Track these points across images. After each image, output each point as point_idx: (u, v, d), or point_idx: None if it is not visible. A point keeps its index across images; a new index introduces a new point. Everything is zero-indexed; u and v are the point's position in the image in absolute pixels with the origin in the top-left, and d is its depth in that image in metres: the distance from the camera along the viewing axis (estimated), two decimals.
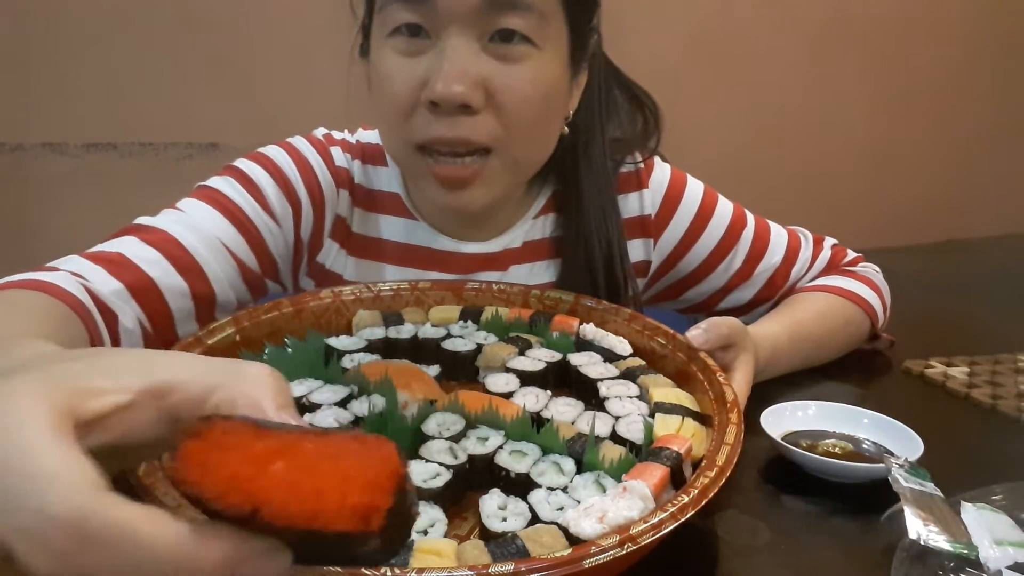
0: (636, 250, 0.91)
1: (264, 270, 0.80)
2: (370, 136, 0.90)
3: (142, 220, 0.74)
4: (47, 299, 0.59)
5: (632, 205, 0.90)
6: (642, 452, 0.55)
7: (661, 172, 0.92)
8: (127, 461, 0.39)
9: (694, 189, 0.92)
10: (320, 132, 0.88)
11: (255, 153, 0.82)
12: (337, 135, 0.88)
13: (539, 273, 0.89)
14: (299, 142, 0.85)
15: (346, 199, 0.86)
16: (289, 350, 0.70)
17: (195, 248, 0.72)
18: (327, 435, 0.29)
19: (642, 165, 0.90)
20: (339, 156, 0.86)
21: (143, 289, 0.68)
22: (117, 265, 0.68)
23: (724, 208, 0.93)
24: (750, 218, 0.94)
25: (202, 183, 0.79)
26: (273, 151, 0.83)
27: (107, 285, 0.66)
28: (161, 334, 0.70)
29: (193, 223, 0.74)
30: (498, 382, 0.66)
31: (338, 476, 0.28)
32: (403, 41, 0.71)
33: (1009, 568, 0.49)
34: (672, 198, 0.91)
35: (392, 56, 0.72)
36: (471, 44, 0.70)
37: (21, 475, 0.26)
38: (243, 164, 0.81)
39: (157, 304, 0.69)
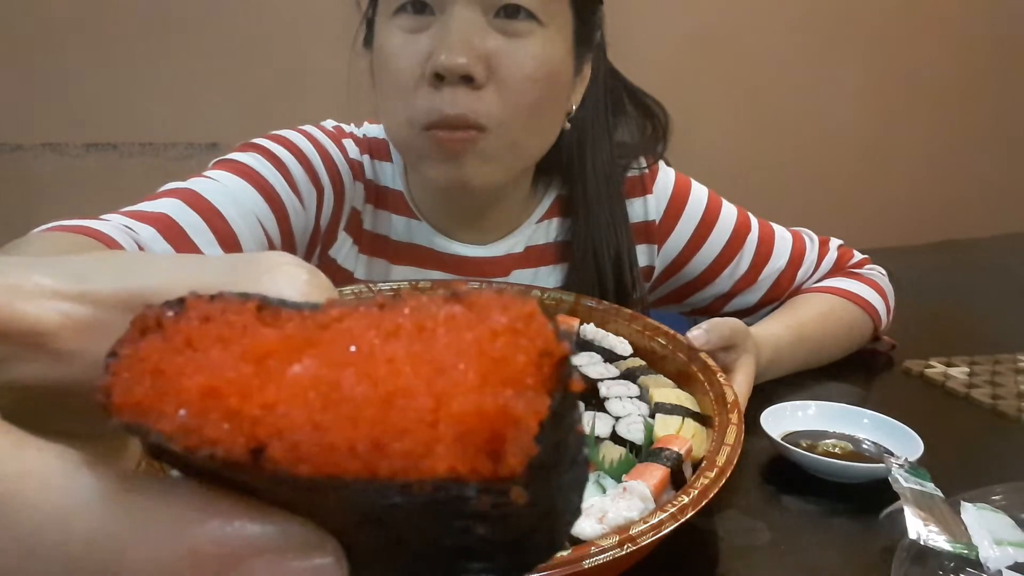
0: (640, 255, 0.91)
1: (285, 251, 0.78)
2: (376, 131, 0.89)
3: (177, 185, 0.71)
4: (88, 240, 0.57)
5: (637, 210, 0.90)
6: (642, 452, 0.55)
7: (665, 177, 0.92)
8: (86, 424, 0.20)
9: (698, 194, 0.92)
10: (330, 123, 0.87)
11: (272, 135, 0.80)
12: (346, 128, 0.88)
13: (544, 278, 0.89)
14: (314, 130, 0.83)
15: (361, 192, 0.85)
16: None
17: (235, 222, 0.71)
18: (404, 300, 0.16)
19: (647, 170, 0.90)
20: (351, 148, 0.85)
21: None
22: (167, 228, 0.66)
23: (728, 213, 0.92)
24: (754, 222, 0.94)
25: (223, 157, 0.77)
26: (291, 134, 0.81)
27: (157, 244, 0.64)
28: None
29: (231, 195, 0.72)
30: None
31: (426, 368, 0.14)
32: (408, 18, 0.71)
33: (1009, 568, 0.49)
34: (676, 203, 0.91)
35: (397, 33, 0.72)
36: (477, 17, 0.70)
37: None
38: (265, 143, 0.78)
39: None
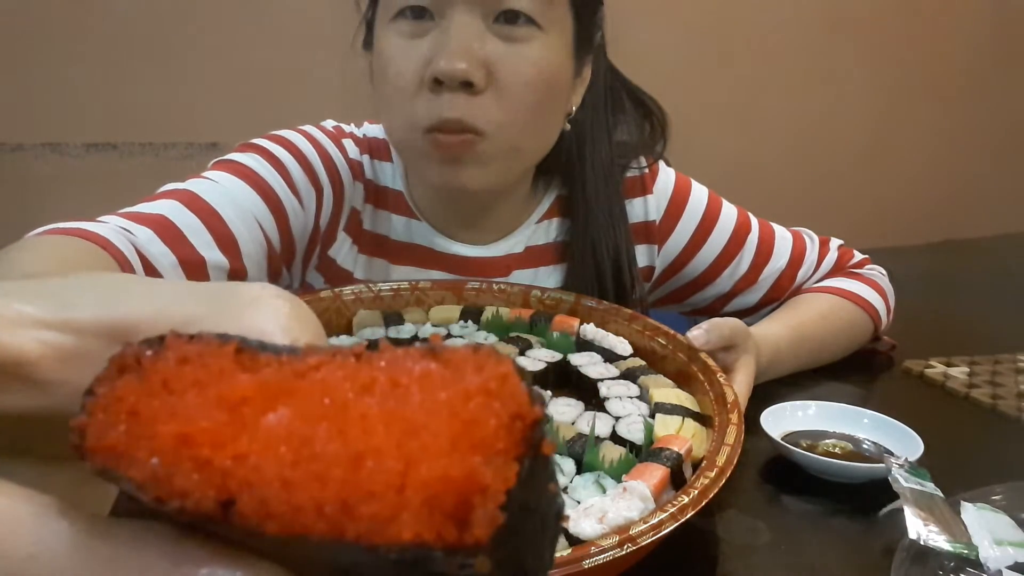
0: (640, 256, 0.91)
1: (284, 254, 0.78)
2: (375, 131, 0.89)
3: (176, 186, 0.71)
4: (86, 244, 0.56)
5: (637, 210, 0.90)
6: (642, 452, 0.55)
7: (666, 177, 0.91)
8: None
9: (698, 194, 0.92)
10: (330, 123, 0.87)
11: (271, 135, 0.80)
12: (346, 128, 0.88)
13: (543, 278, 0.89)
14: (313, 130, 0.83)
15: (360, 192, 0.85)
16: None
17: (233, 223, 0.70)
18: (380, 352, 0.16)
19: (647, 170, 0.90)
20: (351, 148, 0.85)
21: (191, 262, 0.66)
22: (164, 229, 0.65)
23: (728, 213, 0.92)
24: (754, 222, 0.94)
25: (223, 158, 0.77)
26: (290, 135, 0.81)
27: (155, 245, 0.64)
28: None
29: (230, 196, 0.72)
30: None
31: (397, 427, 0.14)
32: (407, 23, 0.71)
33: (1009, 568, 0.49)
34: (677, 203, 0.91)
35: (396, 38, 0.72)
36: (476, 23, 0.70)
37: None
38: (264, 143, 0.78)
39: (200, 276, 0.67)
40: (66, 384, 0.17)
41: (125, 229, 0.63)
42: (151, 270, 0.62)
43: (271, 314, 0.18)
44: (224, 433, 0.14)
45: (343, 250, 0.85)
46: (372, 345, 0.16)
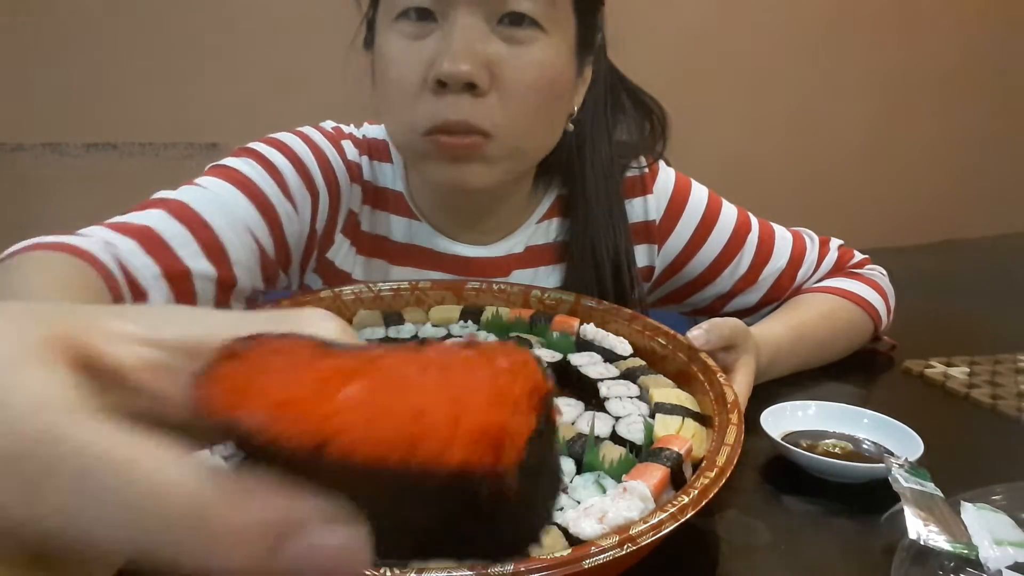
0: (640, 255, 0.91)
1: (280, 259, 0.78)
2: (375, 131, 0.89)
3: (166, 194, 0.72)
4: (74, 261, 0.57)
5: (637, 210, 0.90)
6: (642, 452, 0.55)
7: (666, 177, 0.91)
8: None
9: (698, 194, 0.92)
10: (329, 124, 0.86)
11: (268, 138, 0.80)
12: (345, 128, 0.87)
13: (543, 278, 0.89)
14: (311, 132, 0.83)
15: (358, 194, 0.85)
16: None
17: (222, 231, 0.70)
18: (426, 346, 0.20)
19: (647, 170, 0.90)
20: (350, 149, 0.85)
21: (175, 272, 0.66)
22: (148, 240, 0.65)
23: (728, 213, 0.92)
24: (754, 222, 0.94)
25: (218, 163, 0.77)
26: (287, 138, 0.80)
27: (137, 258, 0.64)
28: None
29: (220, 203, 0.71)
30: None
31: (447, 392, 0.18)
32: (410, 25, 0.71)
33: (1009, 568, 0.49)
34: (677, 203, 0.91)
35: (398, 39, 0.72)
36: (479, 25, 0.69)
37: None
38: (260, 147, 0.78)
39: (185, 285, 0.67)
40: (154, 391, 0.21)
41: (109, 242, 0.63)
42: (133, 283, 0.62)
43: (323, 332, 0.22)
44: (315, 398, 0.18)
45: (341, 252, 0.85)
46: (420, 342, 0.21)
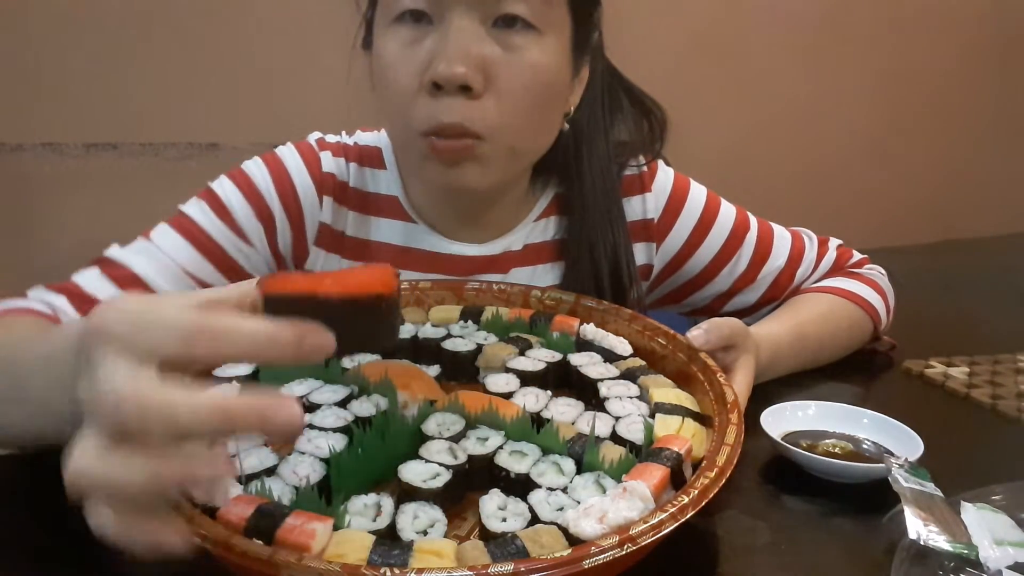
0: (638, 254, 0.91)
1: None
2: (369, 138, 0.89)
3: (111, 252, 0.77)
4: (36, 319, 0.65)
5: (635, 208, 0.90)
6: (642, 452, 0.55)
7: (664, 176, 0.92)
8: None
9: (697, 193, 0.92)
10: (313, 137, 0.88)
11: (235, 169, 0.84)
12: (331, 139, 0.88)
13: (541, 276, 0.89)
14: (284, 151, 0.85)
15: (329, 206, 0.85)
16: None
17: (155, 282, 0.76)
18: (350, 271, 0.44)
19: (645, 168, 0.90)
20: (328, 161, 0.85)
21: None
22: (80, 299, 0.73)
23: (727, 212, 0.93)
24: (753, 221, 0.94)
25: (180, 206, 0.82)
26: (251, 166, 0.84)
27: (66, 314, 0.72)
28: None
29: (157, 254, 0.77)
30: (498, 382, 0.66)
31: (363, 278, 0.43)
32: (406, 28, 0.72)
33: (1009, 568, 0.49)
34: (675, 202, 0.91)
35: (395, 42, 0.72)
36: (475, 27, 0.70)
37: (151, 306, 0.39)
38: (218, 185, 0.82)
39: None
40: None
41: (47, 301, 0.72)
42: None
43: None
44: (312, 282, 0.43)
45: (319, 262, 0.86)
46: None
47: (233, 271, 0.80)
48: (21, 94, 1.69)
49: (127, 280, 0.75)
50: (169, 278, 0.77)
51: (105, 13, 1.69)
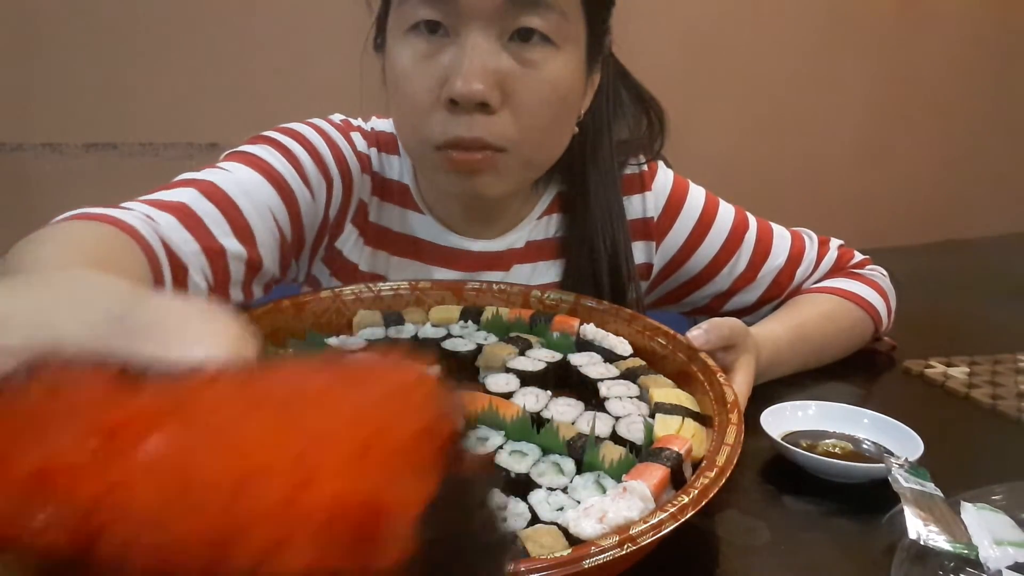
0: (638, 252, 0.91)
1: (295, 243, 0.78)
2: (384, 124, 0.89)
3: (193, 175, 0.71)
4: (115, 233, 0.55)
5: (635, 207, 0.90)
6: (642, 452, 0.55)
7: (664, 176, 0.92)
8: None
9: (696, 193, 0.93)
10: (338, 117, 0.87)
11: (282, 127, 0.80)
12: (354, 121, 0.88)
13: (542, 273, 0.89)
14: (322, 123, 0.83)
15: (368, 184, 0.86)
16: (290, 351, 0.70)
17: (249, 213, 0.70)
18: (279, 366, 0.15)
19: (646, 167, 0.90)
20: (359, 141, 0.85)
21: (211, 249, 0.66)
22: (185, 216, 0.65)
23: (726, 211, 0.93)
24: (752, 221, 0.94)
25: (235, 149, 0.77)
26: (300, 127, 0.80)
27: (176, 233, 0.63)
28: (218, 296, 0.67)
29: (245, 187, 0.71)
30: (498, 382, 0.66)
31: (293, 442, 0.12)
32: (422, 39, 0.71)
33: (1009, 568, 0.49)
34: (675, 201, 0.91)
35: (410, 54, 0.72)
36: (491, 42, 0.69)
37: None
38: (276, 135, 0.78)
39: (220, 263, 0.67)
40: None
41: (149, 216, 0.62)
42: (173, 256, 0.61)
43: (198, 351, 0.17)
44: (91, 466, 0.12)
45: (349, 242, 0.85)
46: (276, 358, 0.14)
47: (299, 221, 0.76)
48: (21, 94, 1.69)
49: (228, 206, 0.69)
50: (261, 215, 0.71)
51: (105, 13, 1.69)
